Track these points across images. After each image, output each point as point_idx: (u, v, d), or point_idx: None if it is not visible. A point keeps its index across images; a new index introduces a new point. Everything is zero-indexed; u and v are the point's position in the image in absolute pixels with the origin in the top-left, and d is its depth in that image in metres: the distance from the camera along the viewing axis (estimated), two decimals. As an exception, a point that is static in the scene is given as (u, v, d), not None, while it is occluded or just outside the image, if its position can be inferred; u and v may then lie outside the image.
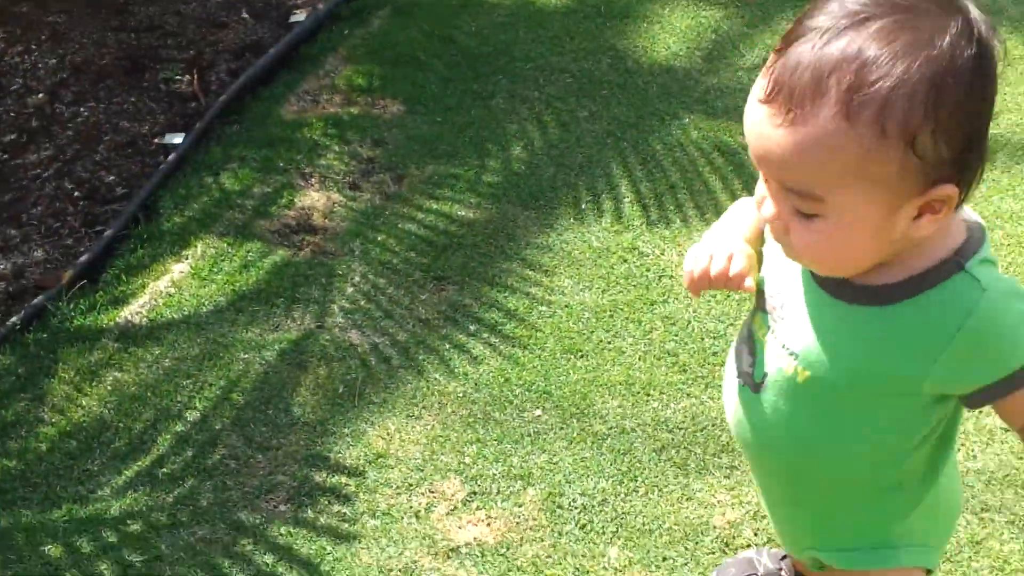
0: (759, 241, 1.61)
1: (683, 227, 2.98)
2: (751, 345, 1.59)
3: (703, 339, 2.65)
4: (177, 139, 3.27)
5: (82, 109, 3.58)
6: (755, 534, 2.26)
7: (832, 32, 1.27)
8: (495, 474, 2.40)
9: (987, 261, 1.40)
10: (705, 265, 1.55)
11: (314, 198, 3.11)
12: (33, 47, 3.79)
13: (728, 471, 2.37)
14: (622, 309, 2.74)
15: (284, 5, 3.95)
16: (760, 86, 1.33)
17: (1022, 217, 2.96)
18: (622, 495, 2.33)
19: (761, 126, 1.32)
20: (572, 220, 3.02)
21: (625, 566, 2.21)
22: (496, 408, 2.53)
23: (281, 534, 2.30)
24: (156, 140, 3.38)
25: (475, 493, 2.37)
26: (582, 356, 2.62)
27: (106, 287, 2.86)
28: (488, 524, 2.31)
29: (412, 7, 3.82)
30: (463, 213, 3.05)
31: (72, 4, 3.96)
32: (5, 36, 3.82)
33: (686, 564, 2.21)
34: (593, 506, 2.31)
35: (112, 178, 3.33)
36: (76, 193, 3.29)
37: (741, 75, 3.48)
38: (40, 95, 3.61)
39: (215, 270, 2.89)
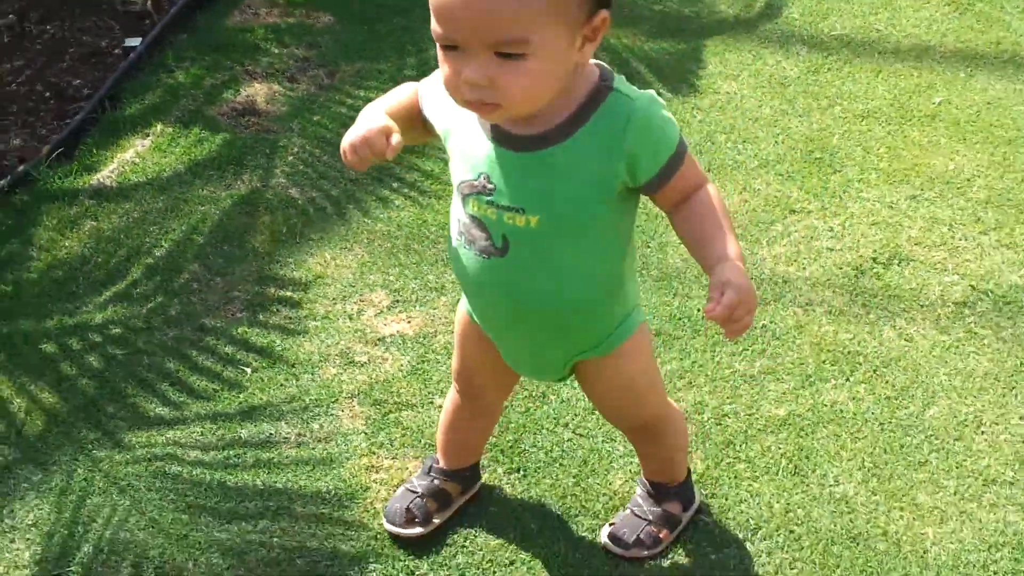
0: (407, 119, 1.85)
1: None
2: (479, 224, 1.82)
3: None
4: (135, 42, 3.75)
5: (48, 28, 4.03)
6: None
7: None
8: (414, 287, 2.91)
9: (622, 82, 1.74)
10: (373, 146, 1.75)
11: (257, 88, 3.61)
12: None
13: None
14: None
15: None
16: None
17: None
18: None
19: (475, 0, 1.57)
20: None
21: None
22: (415, 241, 3.05)
23: (239, 333, 2.79)
24: (116, 48, 3.85)
25: (398, 301, 2.88)
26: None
27: (80, 158, 3.34)
28: (408, 322, 2.82)
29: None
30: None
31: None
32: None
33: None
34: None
35: (78, 82, 3.79)
36: (47, 94, 3.74)
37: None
38: (10, 16, 4.06)
39: (173, 145, 3.38)
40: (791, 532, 2.32)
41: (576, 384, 2.19)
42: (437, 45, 1.66)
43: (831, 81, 3.59)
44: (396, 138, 1.75)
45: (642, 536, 2.25)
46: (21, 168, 3.28)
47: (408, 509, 2.27)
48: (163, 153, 3.34)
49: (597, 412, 2.37)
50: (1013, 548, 2.28)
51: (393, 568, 2.25)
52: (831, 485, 2.40)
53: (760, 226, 3.05)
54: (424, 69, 3.56)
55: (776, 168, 3.25)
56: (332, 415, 2.57)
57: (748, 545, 2.29)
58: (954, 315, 2.78)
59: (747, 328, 1.70)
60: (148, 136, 3.41)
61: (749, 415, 2.55)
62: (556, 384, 2.54)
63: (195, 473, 2.46)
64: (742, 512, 2.35)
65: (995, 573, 2.24)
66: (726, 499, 2.38)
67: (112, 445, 2.52)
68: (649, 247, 2.98)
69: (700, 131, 3.39)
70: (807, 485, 2.40)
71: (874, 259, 2.94)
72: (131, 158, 3.33)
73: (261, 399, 2.62)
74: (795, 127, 3.40)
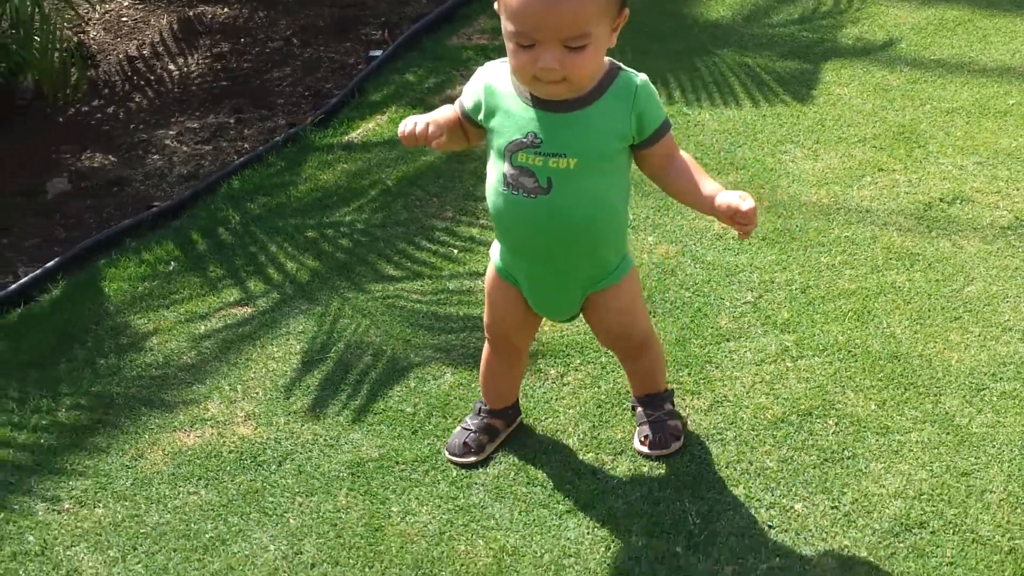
0: (452, 131, 2.48)
1: (707, 105, 4.44)
2: (527, 172, 2.38)
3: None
4: (376, 53, 4.87)
5: (307, 51, 5.19)
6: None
7: None
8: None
9: (626, 67, 2.38)
10: (411, 129, 2.39)
11: (468, 86, 4.67)
12: (272, 14, 5.46)
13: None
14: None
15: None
16: None
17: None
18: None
19: (549, 8, 2.17)
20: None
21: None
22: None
23: (451, 227, 3.76)
24: (360, 64, 4.97)
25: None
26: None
27: (334, 127, 4.42)
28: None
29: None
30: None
31: (297, -7, 5.65)
32: (250, 7, 5.50)
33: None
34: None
35: (330, 85, 4.92)
36: (306, 93, 4.88)
37: (768, 30, 4.97)
38: (278, 42, 5.25)
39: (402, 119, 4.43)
40: (849, 352, 3.13)
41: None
42: (510, 43, 2.27)
43: (925, 88, 4.44)
44: (444, 139, 2.42)
45: (670, 432, 2.81)
46: (292, 130, 4.38)
47: (464, 443, 2.83)
48: (396, 124, 4.39)
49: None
50: (1018, 366, 3.05)
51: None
52: (883, 327, 3.22)
53: (853, 178, 3.91)
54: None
55: (871, 143, 4.11)
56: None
57: (816, 359, 3.11)
58: (999, 234, 3.58)
59: (754, 227, 2.38)
60: (385, 113, 4.48)
61: (828, 288, 3.39)
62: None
63: (416, 307, 3.42)
64: (816, 340, 3.18)
65: (1000, 379, 3.02)
66: (804, 335, 3.21)
67: (356, 289, 3.51)
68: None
69: (812, 118, 4.28)
70: (865, 327, 3.22)
71: (940, 199, 3.76)
72: (372, 127, 4.40)
73: (465, 268, 3.57)
74: (891, 117, 4.26)
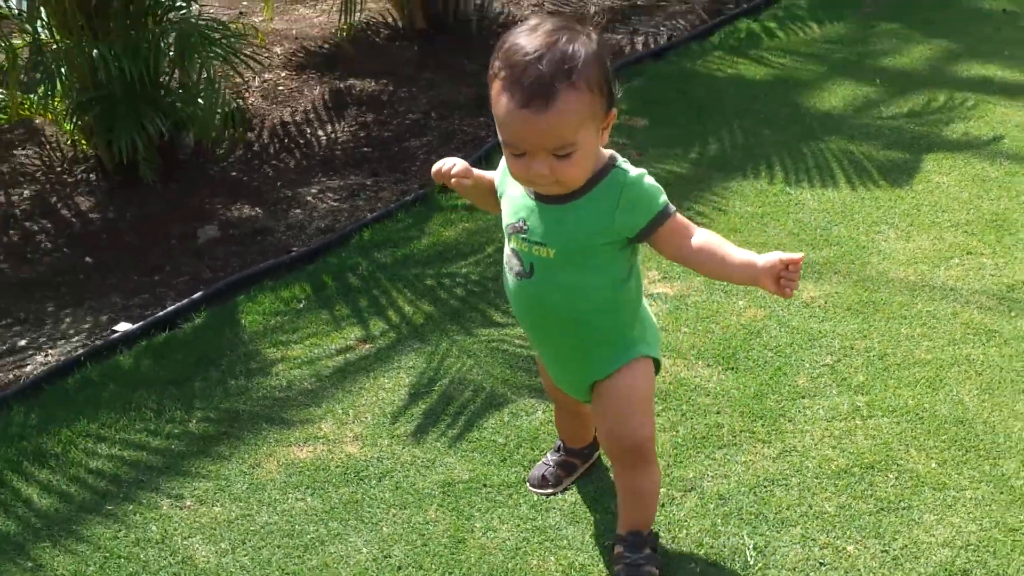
0: (480, 186, 2.60)
1: (807, 186, 4.69)
2: (517, 255, 2.49)
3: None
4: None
5: (443, 123, 5.61)
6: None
7: (538, 51, 2.22)
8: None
9: (625, 162, 2.42)
10: (444, 167, 2.52)
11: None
12: (413, 90, 5.91)
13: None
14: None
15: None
16: (511, 101, 2.22)
17: None
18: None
19: (529, 122, 2.22)
20: (746, 179, 4.79)
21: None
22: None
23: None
24: (489, 137, 5.36)
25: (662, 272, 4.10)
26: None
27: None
28: (670, 286, 4.03)
29: (667, 75, 5.78)
30: (679, 171, 4.88)
31: (437, 71, 6.09)
32: (395, 82, 5.95)
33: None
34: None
35: (461, 155, 5.30)
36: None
37: (876, 121, 5.21)
38: (417, 115, 5.68)
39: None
40: (917, 415, 3.33)
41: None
42: (504, 150, 2.36)
43: (1022, 181, 4.62)
44: (467, 182, 2.55)
45: None
46: (421, 191, 4.77)
47: (543, 476, 3.06)
48: (516, 190, 4.76)
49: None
50: (1077, 437, 3.21)
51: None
52: (953, 395, 3.40)
53: (941, 259, 4.10)
54: (710, 156, 4.94)
55: (963, 228, 4.30)
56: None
57: (884, 419, 3.32)
58: (1078, 317, 3.74)
59: (797, 286, 2.38)
60: (507, 180, 4.84)
61: (904, 356, 3.59)
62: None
63: (517, 351, 3.71)
64: (887, 402, 3.38)
65: (1058, 447, 3.18)
66: (876, 397, 3.41)
67: (465, 333, 3.83)
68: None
69: (909, 203, 4.49)
70: (936, 393, 3.41)
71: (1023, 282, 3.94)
72: (494, 192, 4.76)
73: (564, 320, 3.88)
74: (985, 206, 4.45)
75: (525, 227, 2.47)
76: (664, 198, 2.44)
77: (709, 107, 5.47)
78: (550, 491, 3.09)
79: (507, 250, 2.56)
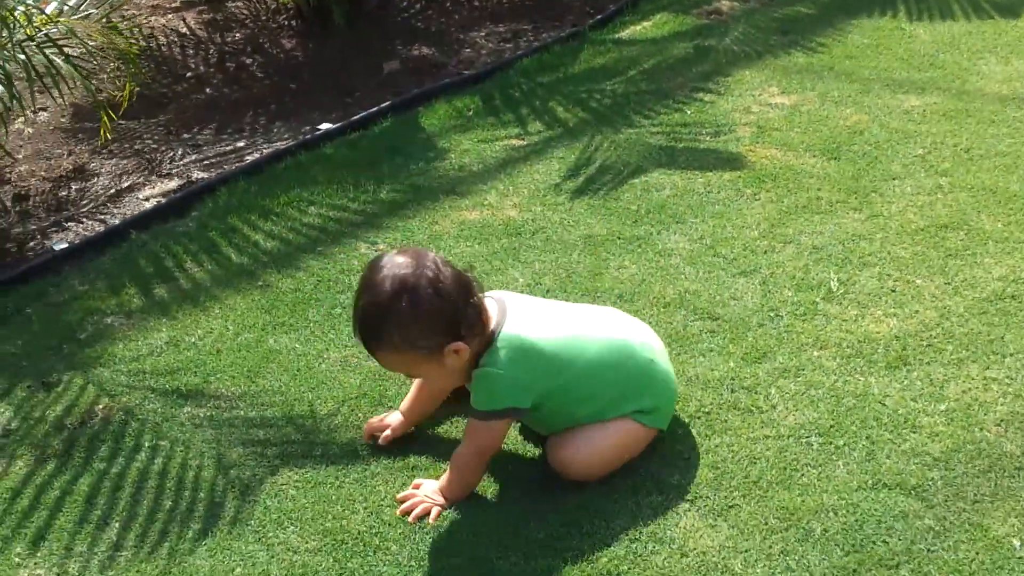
0: (419, 402, 2.89)
1: (926, 20, 5.21)
2: None
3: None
4: None
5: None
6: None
7: (362, 304, 2.53)
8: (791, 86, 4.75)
9: (497, 359, 2.58)
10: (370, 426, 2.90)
11: (724, 3, 5.62)
12: None
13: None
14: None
15: None
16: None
17: None
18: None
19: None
20: (869, 17, 5.34)
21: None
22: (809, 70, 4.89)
23: (678, 99, 4.75)
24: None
25: (785, 91, 4.72)
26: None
27: (610, 28, 5.48)
28: (787, 97, 4.65)
29: None
30: (807, 12, 5.45)
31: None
32: None
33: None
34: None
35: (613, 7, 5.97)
36: (590, 10, 5.94)
37: None
38: None
39: (665, 24, 5.44)
40: (992, 191, 3.90)
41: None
42: None
43: (1125, 17, 5.08)
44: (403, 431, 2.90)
45: None
46: (575, 28, 5.47)
47: None
48: (658, 28, 5.42)
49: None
50: None
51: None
52: (1025, 175, 3.97)
53: None
54: None
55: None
56: (733, 130, 4.45)
57: (962, 194, 3.90)
58: None
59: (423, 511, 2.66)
60: (651, 19, 5.51)
61: (987, 149, 4.15)
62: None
63: (654, 140, 4.40)
64: (966, 181, 3.96)
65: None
66: (957, 179, 3.99)
67: (612, 131, 4.53)
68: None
69: (1013, 35, 4.99)
70: (1010, 175, 3.98)
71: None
72: (639, 29, 5.45)
73: (689, 119, 4.55)
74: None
75: None
76: (494, 401, 2.64)
77: None
78: None
79: None
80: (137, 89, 4.47)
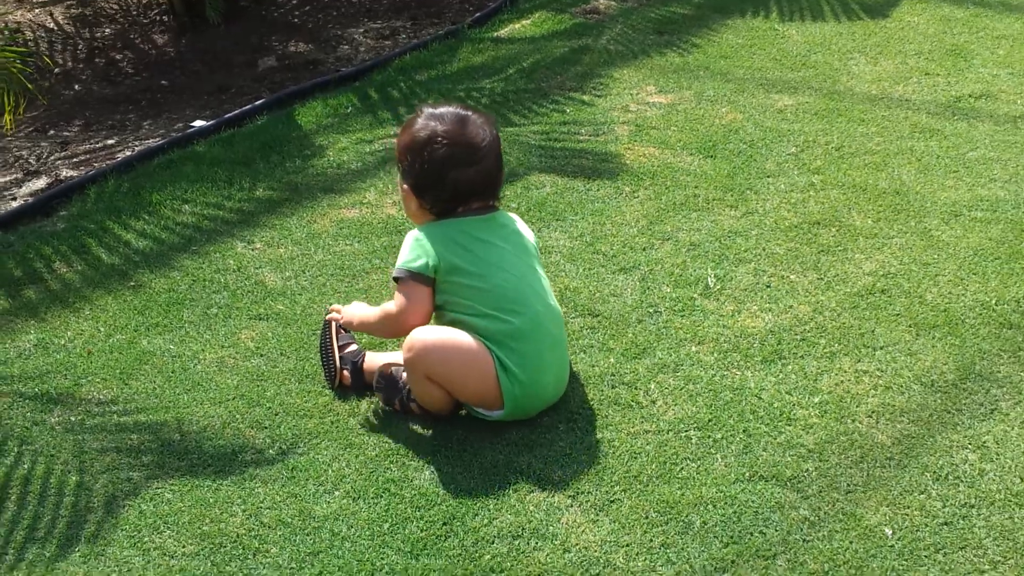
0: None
1: (797, 20, 5.32)
2: None
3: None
4: (530, -24, 5.92)
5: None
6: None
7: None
8: (668, 85, 4.81)
9: (436, 222, 2.94)
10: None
11: (601, 2, 5.66)
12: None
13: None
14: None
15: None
16: None
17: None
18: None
19: None
20: (741, 18, 5.43)
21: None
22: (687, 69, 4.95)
23: (564, 93, 4.77)
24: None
25: (662, 91, 4.78)
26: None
27: (489, 27, 5.47)
28: (664, 96, 4.70)
29: None
30: (683, 12, 5.53)
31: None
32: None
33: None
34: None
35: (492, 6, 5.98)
36: (470, 8, 5.94)
37: (863, -25, 5.82)
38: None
39: (543, 23, 5.45)
40: (863, 189, 3.99)
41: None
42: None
43: (984, 21, 5.27)
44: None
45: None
46: (453, 26, 5.45)
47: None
48: (537, 26, 5.44)
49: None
50: (991, 203, 3.87)
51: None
52: (894, 175, 4.06)
53: (902, 79, 4.74)
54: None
55: (925, 56, 4.95)
56: (612, 129, 4.48)
57: (834, 191, 3.99)
58: (1009, 120, 4.37)
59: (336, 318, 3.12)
60: (530, 18, 5.52)
61: (858, 147, 4.25)
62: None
63: (531, 141, 4.41)
64: (837, 179, 4.05)
65: (974, 210, 3.84)
66: (829, 176, 4.08)
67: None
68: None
69: (880, 36, 5.11)
70: (879, 173, 4.07)
71: (969, 95, 4.59)
72: (518, 27, 5.45)
73: (569, 118, 4.56)
74: (947, 40, 5.10)
75: None
76: (409, 259, 2.93)
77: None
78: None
79: None
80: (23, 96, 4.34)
